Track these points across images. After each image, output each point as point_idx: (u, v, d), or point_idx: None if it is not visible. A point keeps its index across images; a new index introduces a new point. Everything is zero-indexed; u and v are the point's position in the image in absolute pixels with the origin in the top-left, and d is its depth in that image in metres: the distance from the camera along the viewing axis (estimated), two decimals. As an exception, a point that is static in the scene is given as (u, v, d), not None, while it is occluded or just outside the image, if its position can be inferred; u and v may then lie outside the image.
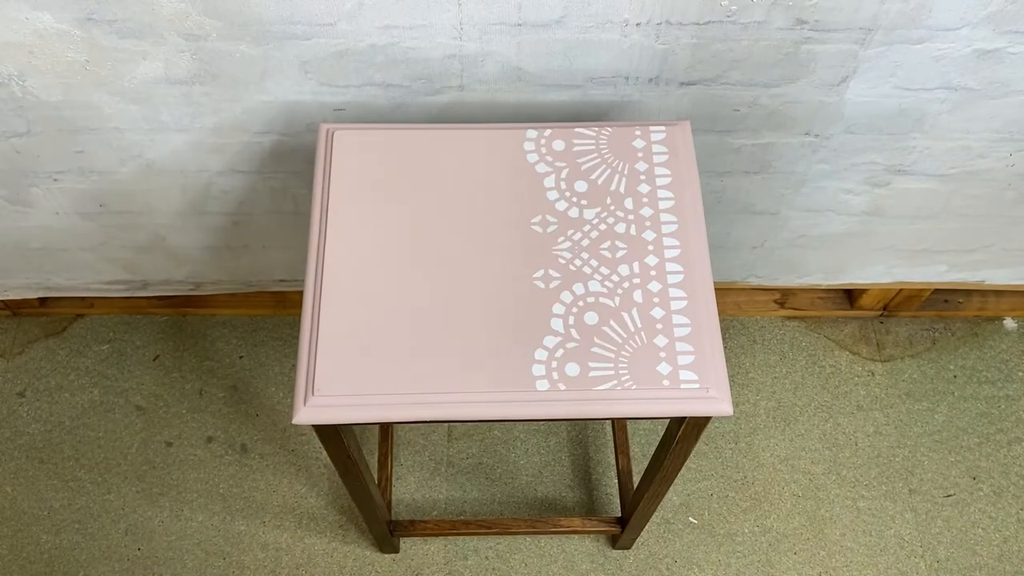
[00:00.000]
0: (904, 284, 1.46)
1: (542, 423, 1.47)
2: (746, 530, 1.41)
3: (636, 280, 0.86)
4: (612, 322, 0.84)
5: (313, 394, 0.80)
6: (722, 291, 1.53)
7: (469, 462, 1.45)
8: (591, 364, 0.82)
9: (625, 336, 0.83)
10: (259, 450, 1.45)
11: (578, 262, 0.87)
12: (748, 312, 1.56)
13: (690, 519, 1.41)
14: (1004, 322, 1.57)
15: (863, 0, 0.92)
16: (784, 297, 1.54)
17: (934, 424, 1.49)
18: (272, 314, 1.54)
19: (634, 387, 0.81)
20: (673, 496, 1.42)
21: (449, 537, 1.38)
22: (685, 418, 0.87)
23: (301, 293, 0.86)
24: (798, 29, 0.96)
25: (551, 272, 0.86)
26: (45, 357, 1.52)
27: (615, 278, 0.86)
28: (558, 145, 0.94)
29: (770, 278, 1.46)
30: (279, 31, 0.95)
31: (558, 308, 0.84)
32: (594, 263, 0.87)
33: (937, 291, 1.52)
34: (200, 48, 0.97)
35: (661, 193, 0.91)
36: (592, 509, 1.42)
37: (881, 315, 1.57)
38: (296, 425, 1.10)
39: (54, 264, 1.37)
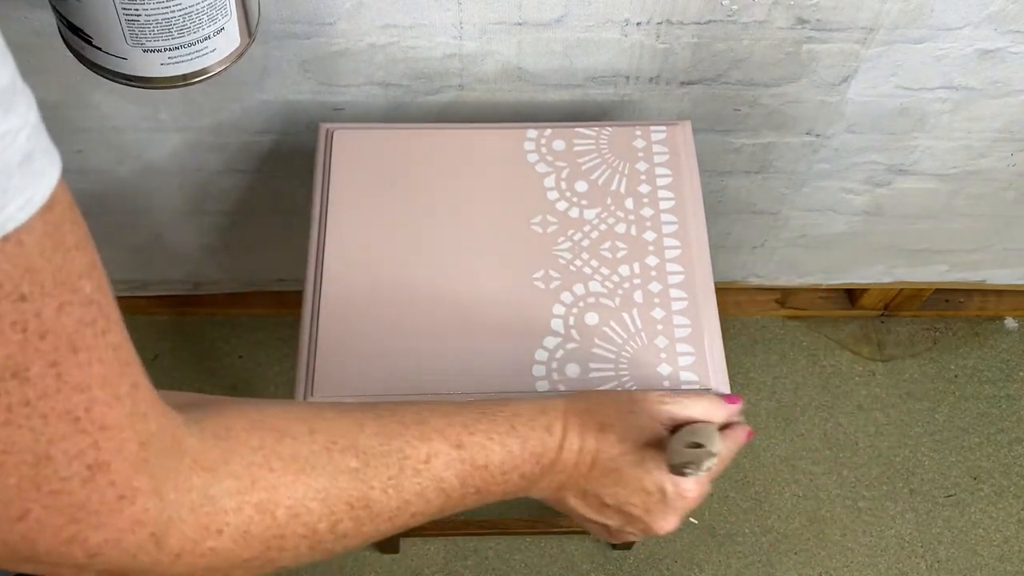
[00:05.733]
0: (905, 284, 1.46)
1: (542, 423, 1.46)
2: (746, 530, 1.40)
3: (636, 280, 0.85)
4: (612, 323, 0.83)
5: (312, 394, 0.80)
6: (722, 291, 1.52)
7: (469, 462, 1.44)
8: (591, 365, 0.81)
9: (625, 337, 0.83)
10: (259, 450, 1.45)
11: (578, 262, 0.86)
12: (748, 312, 1.55)
13: (690, 519, 1.41)
14: (1005, 322, 1.57)
15: (864, -1, 0.92)
16: (785, 297, 1.54)
17: (935, 424, 1.49)
18: (272, 314, 1.53)
19: (635, 388, 0.80)
20: (673, 496, 1.42)
21: (449, 537, 1.38)
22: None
23: (301, 293, 0.86)
24: (799, 28, 0.95)
25: (551, 272, 0.86)
26: (44, 357, 1.52)
27: (615, 278, 0.86)
28: (558, 145, 0.93)
29: (771, 278, 1.46)
30: (279, 30, 0.94)
31: (558, 309, 0.84)
32: (594, 263, 0.86)
33: (938, 291, 1.52)
34: (199, 47, 0.97)
35: (662, 193, 0.91)
36: (592, 509, 1.42)
37: (882, 315, 1.56)
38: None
39: (53, 264, 1.36)
